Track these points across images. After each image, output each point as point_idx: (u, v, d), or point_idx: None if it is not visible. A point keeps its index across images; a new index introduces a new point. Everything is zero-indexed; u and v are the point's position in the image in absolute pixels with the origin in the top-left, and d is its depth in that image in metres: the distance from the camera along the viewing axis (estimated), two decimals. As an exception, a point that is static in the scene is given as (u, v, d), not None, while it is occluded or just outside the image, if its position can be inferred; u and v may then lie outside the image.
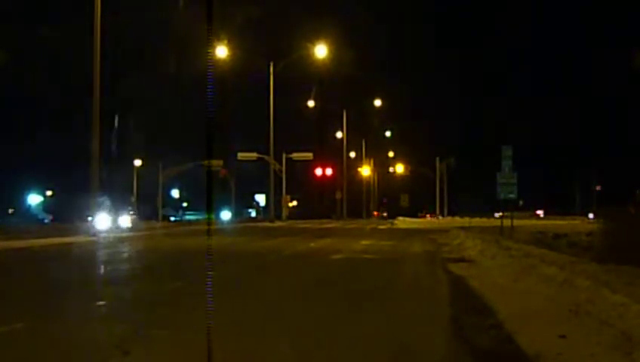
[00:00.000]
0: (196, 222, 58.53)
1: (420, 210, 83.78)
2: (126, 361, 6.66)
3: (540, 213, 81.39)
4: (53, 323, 8.52)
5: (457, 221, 56.49)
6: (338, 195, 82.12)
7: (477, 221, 52.73)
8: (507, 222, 29.30)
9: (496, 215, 79.18)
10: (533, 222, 53.15)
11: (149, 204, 73.84)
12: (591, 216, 68.70)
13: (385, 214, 79.65)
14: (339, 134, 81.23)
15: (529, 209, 71.57)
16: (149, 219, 57.30)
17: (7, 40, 51.31)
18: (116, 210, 41.42)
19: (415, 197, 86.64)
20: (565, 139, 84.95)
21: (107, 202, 36.78)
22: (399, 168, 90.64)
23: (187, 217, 79.28)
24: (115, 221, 39.53)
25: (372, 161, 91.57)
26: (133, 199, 74.42)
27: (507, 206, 31.14)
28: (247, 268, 16.31)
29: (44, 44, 59.92)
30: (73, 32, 46.23)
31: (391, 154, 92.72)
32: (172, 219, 74.15)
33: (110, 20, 30.41)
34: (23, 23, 62.25)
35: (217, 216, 67.96)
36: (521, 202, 50.02)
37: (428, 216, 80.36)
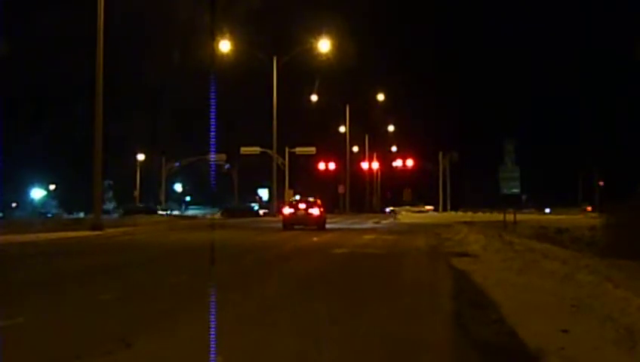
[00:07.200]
0: (200, 216, 58.58)
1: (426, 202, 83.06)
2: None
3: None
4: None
5: (459, 216, 56.41)
6: (341, 189, 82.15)
7: (479, 216, 52.65)
8: (510, 217, 29.37)
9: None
10: (535, 217, 53.06)
11: (151, 198, 73.97)
12: (589, 208, 69.16)
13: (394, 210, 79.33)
14: (342, 128, 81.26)
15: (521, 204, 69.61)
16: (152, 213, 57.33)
17: (8, 32, 51.26)
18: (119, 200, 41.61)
19: (418, 191, 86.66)
20: (567, 135, 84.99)
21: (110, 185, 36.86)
22: (402, 162, 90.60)
23: (189, 211, 79.33)
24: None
25: (375, 155, 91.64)
26: (136, 193, 74.62)
27: (508, 201, 31.17)
28: (246, 266, 16.28)
29: (46, 35, 59.90)
30: (75, 22, 46.22)
31: (394, 148, 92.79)
32: (175, 213, 74.22)
33: (114, 10, 30.33)
34: (23, 13, 62.20)
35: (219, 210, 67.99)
36: (524, 197, 49.85)
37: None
